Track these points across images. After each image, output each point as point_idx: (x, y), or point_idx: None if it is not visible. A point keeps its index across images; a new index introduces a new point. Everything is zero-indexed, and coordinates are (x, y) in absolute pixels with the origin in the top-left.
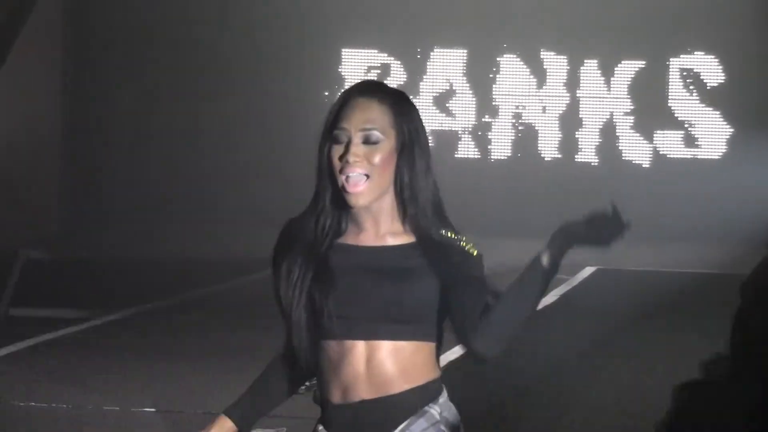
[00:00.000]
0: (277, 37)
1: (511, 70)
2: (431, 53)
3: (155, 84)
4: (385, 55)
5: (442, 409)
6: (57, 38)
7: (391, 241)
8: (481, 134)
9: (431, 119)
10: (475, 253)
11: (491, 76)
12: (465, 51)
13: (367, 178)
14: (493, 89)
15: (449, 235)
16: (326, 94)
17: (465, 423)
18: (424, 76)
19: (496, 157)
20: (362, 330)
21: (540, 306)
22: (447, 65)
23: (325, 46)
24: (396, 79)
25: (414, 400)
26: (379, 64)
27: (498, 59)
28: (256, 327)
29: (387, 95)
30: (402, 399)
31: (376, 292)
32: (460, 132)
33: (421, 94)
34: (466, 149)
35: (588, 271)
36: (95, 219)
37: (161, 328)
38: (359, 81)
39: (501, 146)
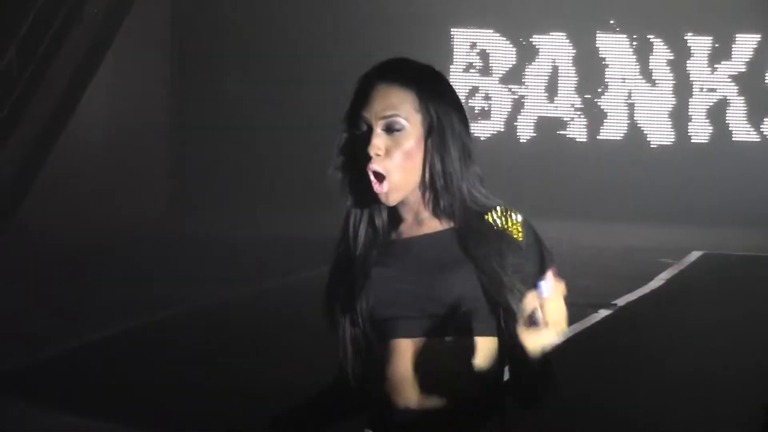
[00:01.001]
0: (386, 18)
1: (616, 50)
2: (540, 35)
3: (263, 70)
4: (493, 32)
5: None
6: (166, 23)
7: (430, 227)
8: (589, 116)
9: (538, 102)
10: (521, 239)
11: (599, 56)
12: (567, 33)
13: (386, 177)
14: (601, 71)
15: (495, 219)
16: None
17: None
18: (535, 58)
19: (604, 138)
20: (404, 329)
21: (647, 290)
22: (555, 47)
23: (433, 25)
24: (503, 61)
25: (467, 413)
26: (486, 44)
27: (603, 40)
28: None
29: (410, 76)
30: (446, 413)
31: (414, 288)
32: (566, 115)
33: (527, 77)
34: (575, 131)
35: (694, 255)
36: (204, 200)
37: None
38: (382, 61)
39: (610, 128)
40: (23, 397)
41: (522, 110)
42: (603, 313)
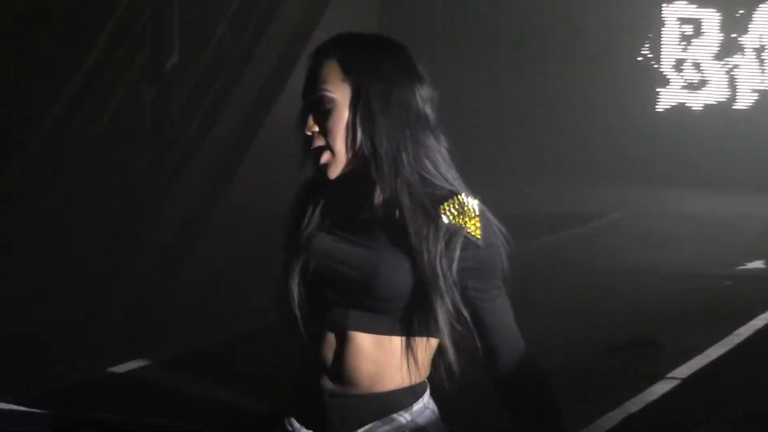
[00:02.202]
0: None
1: None
2: (754, 8)
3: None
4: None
5: (414, 416)
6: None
7: (367, 215)
8: None
9: (751, 77)
10: (478, 236)
11: None
12: None
13: (325, 149)
14: None
15: (450, 210)
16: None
17: None
18: (747, 30)
19: None
20: (332, 318)
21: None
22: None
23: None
24: (710, 35)
25: (379, 405)
26: (691, 17)
27: None
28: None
29: (339, 46)
30: (367, 402)
31: (348, 277)
32: None
33: (743, 50)
34: None
35: None
36: None
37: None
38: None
39: None
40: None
41: (736, 83)
42: None
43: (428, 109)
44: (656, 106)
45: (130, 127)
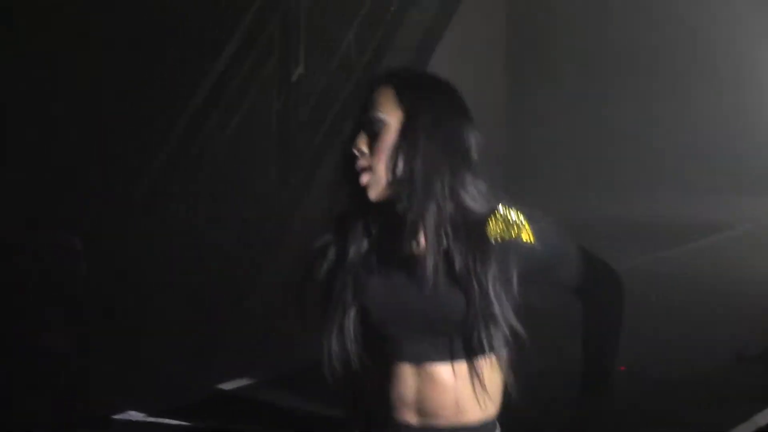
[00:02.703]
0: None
1: None
2: None
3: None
4: None
5: None
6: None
7: (415, 248)
8: None
9: None
10: (532, 241)
11: None
12: None
13: (369, 170)
14: None
15: (496, 230)
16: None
17: None
18: None
19: None
20: (411, 351)
21: None
22: None
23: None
24: None
25: None
26: None
27: None
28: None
29: (400, 75)
30: None
31: (418, 306)
32: None
33: None
34: None
35: None
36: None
37: None
38: None
39: None
40: None
41: None
42: None
43: (472, 149)
44: None
45: (256, 137)
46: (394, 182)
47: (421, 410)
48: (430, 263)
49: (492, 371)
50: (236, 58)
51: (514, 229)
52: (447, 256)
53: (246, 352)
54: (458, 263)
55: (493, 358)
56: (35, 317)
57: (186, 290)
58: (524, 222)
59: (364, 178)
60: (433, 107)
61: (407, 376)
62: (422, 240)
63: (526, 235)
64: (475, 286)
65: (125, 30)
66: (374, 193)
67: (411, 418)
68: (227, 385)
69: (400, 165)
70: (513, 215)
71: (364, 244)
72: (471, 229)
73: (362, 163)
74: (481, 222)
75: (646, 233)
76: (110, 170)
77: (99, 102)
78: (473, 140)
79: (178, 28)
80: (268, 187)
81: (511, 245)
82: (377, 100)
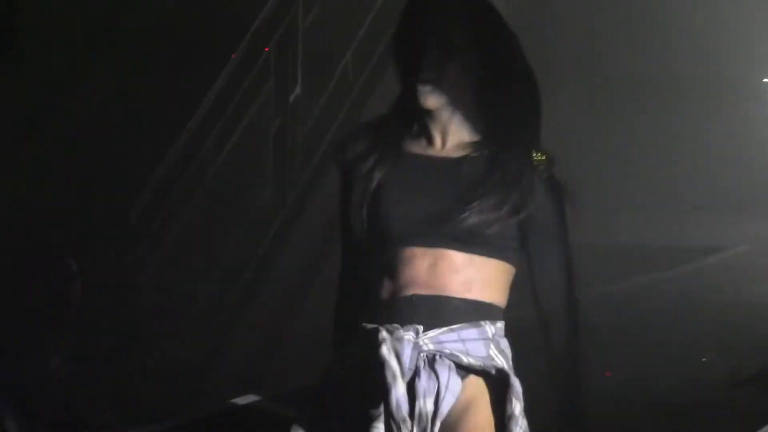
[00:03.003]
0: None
1: None
2: None
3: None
4: None
5: (497, 332)
6: None
7: (464, 152)
8: None
9: None
10: (547, 175)
11: None
12: None
13: (435, 86)
14: None
15: (536, 159)
16: None
17: None
18: None
19: None
20: (427, 237)
21: None
22: None
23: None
24: None
25: (470, 310)
26: None
27: None
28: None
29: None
30: (457, 304)
31: (439, 207)
32: None
33: None
34: None
35: None
36: None
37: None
38: None
39: None
40: None
41: None
42: None
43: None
44: None
45: (252, 159)
46: (458, 102)
47: (432, 285)
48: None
49: (500, 272)
50: (233, 79)
51: (543, 159)
52: (488, 167)
53: (248, 368)
54: (512, 169)
55: (504, 263)
56: (32, 339)
57: (181, 311)
58: (547, 157)
59: (430, 90)
60: (503, 35)
61: (420, 257)
62: (450, 146)
63: (542, 170)
64: (518, 193)
65: (120, 47)
66: (433, 102)
67: (419, 285)
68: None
69: (475, 89)
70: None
71: (395, 142)
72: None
73: (429, 82)
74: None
75: (640, 255)
76: (106, 191)
77: (94, 121)
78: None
79: (175, 49)
80: (263, 209)
81: (538, 171)
82: (449, 20)
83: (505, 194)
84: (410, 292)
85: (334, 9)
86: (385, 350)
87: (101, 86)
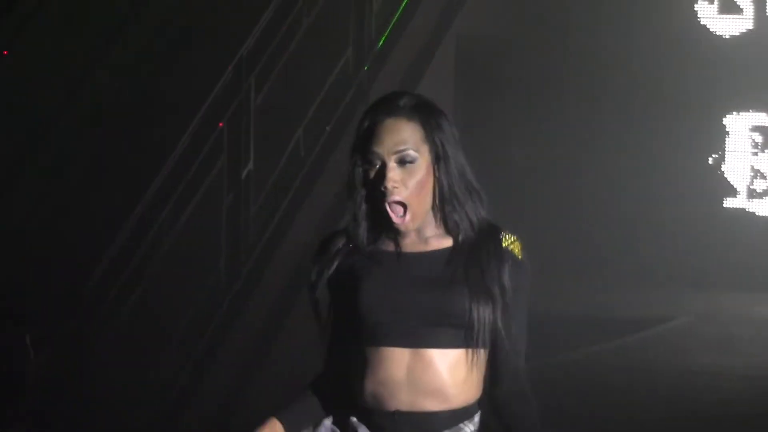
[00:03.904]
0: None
1: None
2: None
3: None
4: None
5: (476, 426)
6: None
7: (435, 245)
8: None
9: None
10: (520, 258)
11: None
12: None
13: (406, 208)
14: None
15: (503, 239)
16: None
17: None
18: None
19: None
20: (403, 336)
21: None
22: None
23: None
24: None
25: (449, 419)
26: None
27: None
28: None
29: (415, 109)
30: (437, 417)
31: (419, 298)
32: None
33: None
34: None
35: None
36: None
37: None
38: (382, 97)
39: None
40: None
41: None
42: None
43: (466, 161)
44: (723, 213)
45: (206, 233)
46: (424, 212)
47: (412, 392)
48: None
49: (480, 360)
50: (187, 156)
51: (509, 242)
52: (465, 257)
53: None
54: (482, 256)
55: (481, 351)
56: None
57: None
58: (516, 239)
59: (406, 218)
60: (451, 140)
61: (400, 359)
62: (432, 241)
63: (518, 252)
64: (494, 274)
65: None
66: (413, 227)
67: (400, 401)
68: None
69: (440, 195)
70: (510, 235)
71: (366, 243)
72: (488, 233)
73: (398, 196)
74: (494, 230)
75: (584, 326)
76: (60, 264)
77: (48, 195)
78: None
79: (133, 128)
80: (217, 280)
81: (508, 253)
82: (401, 136)
83: (479, 284)
84: (390, 403)
85: (285, 87)
86: None
87: (59, 160)
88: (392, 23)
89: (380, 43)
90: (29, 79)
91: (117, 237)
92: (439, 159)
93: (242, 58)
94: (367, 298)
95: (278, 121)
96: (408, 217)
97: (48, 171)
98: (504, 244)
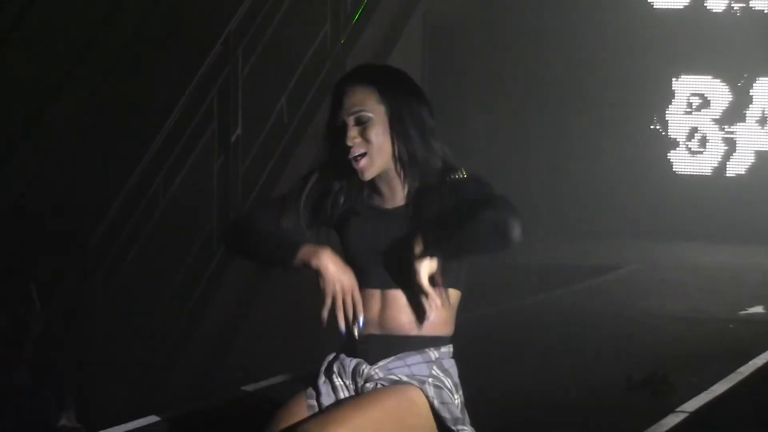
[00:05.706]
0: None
1: None
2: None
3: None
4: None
5: (441, 355)
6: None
7: (398, 202)
8: None
9: (757, 140)
10: (465, 175)
11: None
12: None
13: (365, 155)
14: None
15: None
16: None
17: None
18: (750, 103)
19: None
20: (377, 279)
21: None
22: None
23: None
24: (720, 103)
25: (416, 344)
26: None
27: None
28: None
29: (371, 76)
30: (406, 340)
31: (392, 245)
32: None
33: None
34: None
35: None
36: None
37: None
38: (349, 69)
39: None
40: None
41: (736, 147)
42: None
43: (432, 121)
44: (672, 169)
45: (199, 192)
46: (385, 163)
47: (383, 326)
48: (408, 215)
49: (444, 300)
50: (181, 123)
51: (461, 174)
52: (422, 207)
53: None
54: (436, 205)
55: (444, 292)
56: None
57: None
58: (466, 174)
59: (363, 162)
60: (409, 100)
61: (374, 299)
62: (397, 197)
63: (463, 175)
64: (445, 219)
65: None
66: (369, 174)
67: (374, 330)
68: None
69: (398, 152)
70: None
71: (345, 196)
72: (440, 183)
73: (359, 150)
74: (443, 176)
75: (539, 275)
76: (68, 220)
77: (55, 157)
78: (431, 113)
79: (129, 98)
80: (209, 236)
81: (453, 183)
82: (359, 99)
83: (444, 230)
84: (366, 331)
85: (270, 59)
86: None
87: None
88: (366, 0)
89: (354, 19)
90: (30, 48)
91: (118, 197)
92: (393, 119)
93: (230, 33)
94: (352, 248)
95: (264, 91)
96: (364, 161)
97: (55, 135)
98: (452, 182)
